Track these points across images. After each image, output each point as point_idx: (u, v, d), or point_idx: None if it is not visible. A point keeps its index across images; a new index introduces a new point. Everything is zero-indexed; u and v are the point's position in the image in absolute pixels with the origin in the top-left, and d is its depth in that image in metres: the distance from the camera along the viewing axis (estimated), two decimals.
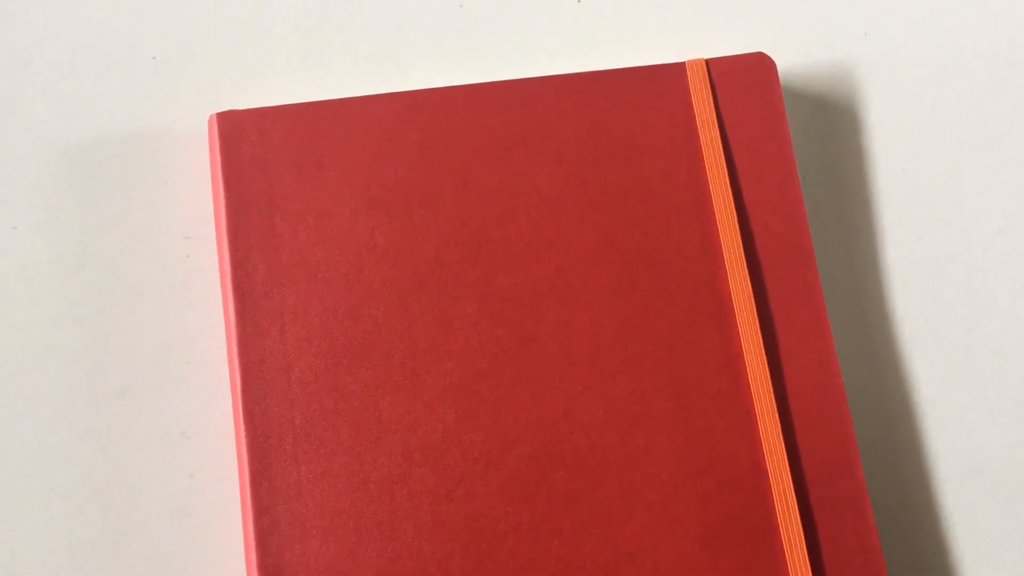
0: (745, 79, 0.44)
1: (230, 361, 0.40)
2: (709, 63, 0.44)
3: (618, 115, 0.43)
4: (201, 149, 0.44)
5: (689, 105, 0.44)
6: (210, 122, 0.42)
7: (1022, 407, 0.43)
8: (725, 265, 0.42)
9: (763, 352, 0.41)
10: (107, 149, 0.44)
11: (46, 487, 0.40)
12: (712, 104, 0.44)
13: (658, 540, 0.39)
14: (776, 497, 0.40)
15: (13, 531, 0.40)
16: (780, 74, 0.45)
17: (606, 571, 0.39)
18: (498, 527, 0.39)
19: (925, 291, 0.45)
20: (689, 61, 0.44)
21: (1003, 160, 0.46)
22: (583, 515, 0.39)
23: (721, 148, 0.43)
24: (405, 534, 0.39)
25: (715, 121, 0.43)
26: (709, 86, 0.44)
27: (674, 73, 0.44)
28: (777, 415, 0.40)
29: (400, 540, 0.39)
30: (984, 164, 0.46)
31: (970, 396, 0.44)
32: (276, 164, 0.42)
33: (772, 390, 0.41)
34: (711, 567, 0.39)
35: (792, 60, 0.47)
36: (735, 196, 0.43)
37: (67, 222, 0.43)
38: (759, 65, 0.44)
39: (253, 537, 0.38)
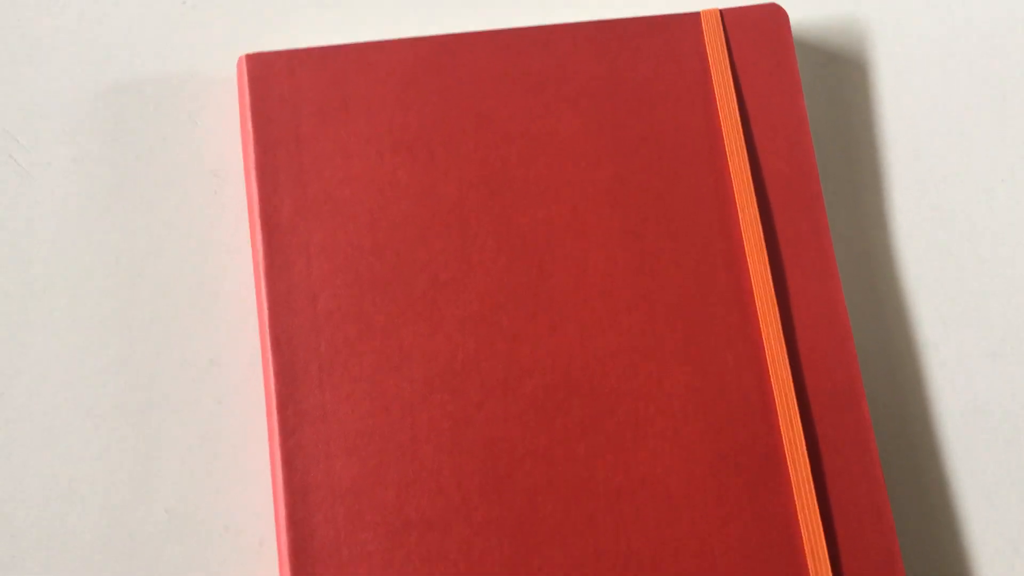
0: (758, 29, 0.46)
1: (258, 292, 0.42)
2: (723, 13, 0.46)
3: (634, 62, 0.45)
4: (230, 90, 0.45)
5: (703, 54, 0.45)
6: (239, 64, 0.44)
7: (1021, 348, 0.45)
8: (736, 207, 0.43)
9: (772, 291, 0.42)
10: (139, 90, 0.45)
11: (81, 412, 0.42)
12: (726, 53, 0.45)
13: (669, 466, 0.41)
14: (783, 428, 0.41)
15: (50, 452, 0.41)
16: (792, 26, 0.46)
17: (618, 495, 0.40)
18: (515, 451, 0.40)
19: (930, 237, 0.46)
20: (704, 11, 0.46)
21: (1009, 114, 0.48)
22: (597, 441, 0.41)
23: (734, 96, 0.45)
24: (425, 456, 0.40)
25: (728, 69, 0.45)
26: (723, 35, 0.45)
27: (689, 22, 0.46)
28: (785, 351, 0.42)
29: (420, 461, 0.40)
30: (991, 117, 0.48)
31: (972, 339, 0.45)
32: (303, 105, 0.43)
33: (780, 327, 0.42)
34: (719, 492, 0.40)
35: (804, 12, 0.48)
36: (747, 142, 0.44)
37: (99, 160, 0.44)
38: (772, 16, 0.46)
39: (280, 458, 0.40)
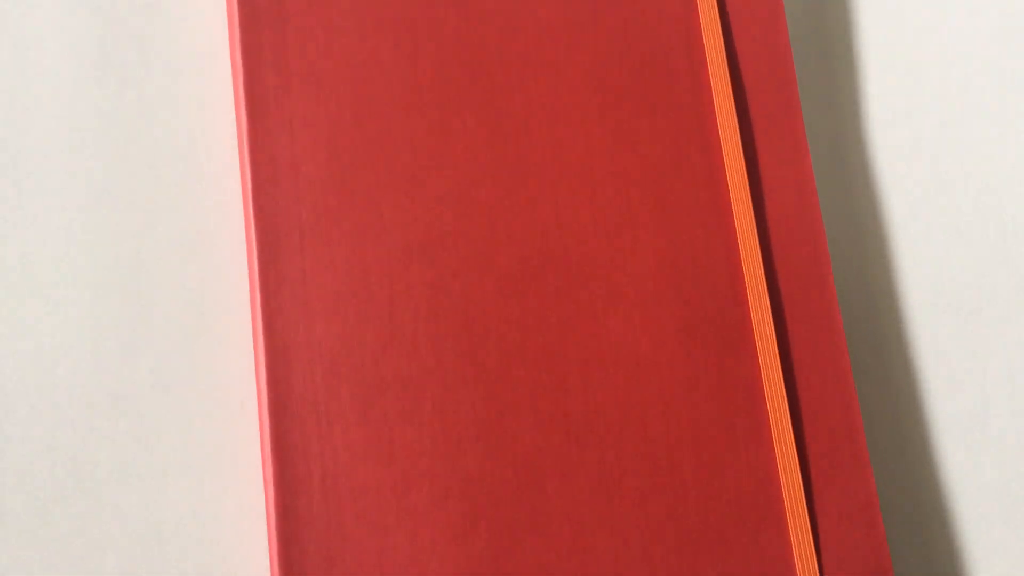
0: None
1: (241, 162, 0.43)
2: None
3: None
4: None
5: None
6: None
7: (988, 228, 0.46)
8: (711, 87, 0.44)
9: (744, 168, 0.44)
10: None
11: (70, 276, 0.43)
12: None
13: (639, 334, 0.42)
14: (751, 299, 0.42)
15: (38, 309, 0.42)
16: None
17: (589, 360, 0.41)
18: (489, 318, 0.42)
19: (902, 123, 0.47)
20: None
21: (976, 6, 0.49)
22: (569, 310, 0.42)
23: None
24: (402, 320, 0.41)
25: None
26: None
27: None
28: (755, 225, 0.43)
29: (397, 325, 0.41)
30: (967, 6, 0.48)
31: (940, 219, 0.46)
32: None
33: (751, 203, 0.43)
34: (686, 359, 0.42)
35: None
36: (724, 31, 0.45)
37: (87, 35, 0.45)
38: None
39: (261, 319, 0.41)
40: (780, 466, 0.41)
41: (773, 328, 0.42)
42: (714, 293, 0.43)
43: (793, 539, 0.40)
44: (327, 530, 0.39)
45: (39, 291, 0.43)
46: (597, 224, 0.43)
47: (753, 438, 0.41)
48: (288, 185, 0.43)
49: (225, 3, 0.46)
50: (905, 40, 0.48)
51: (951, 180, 0.47)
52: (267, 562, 0.41)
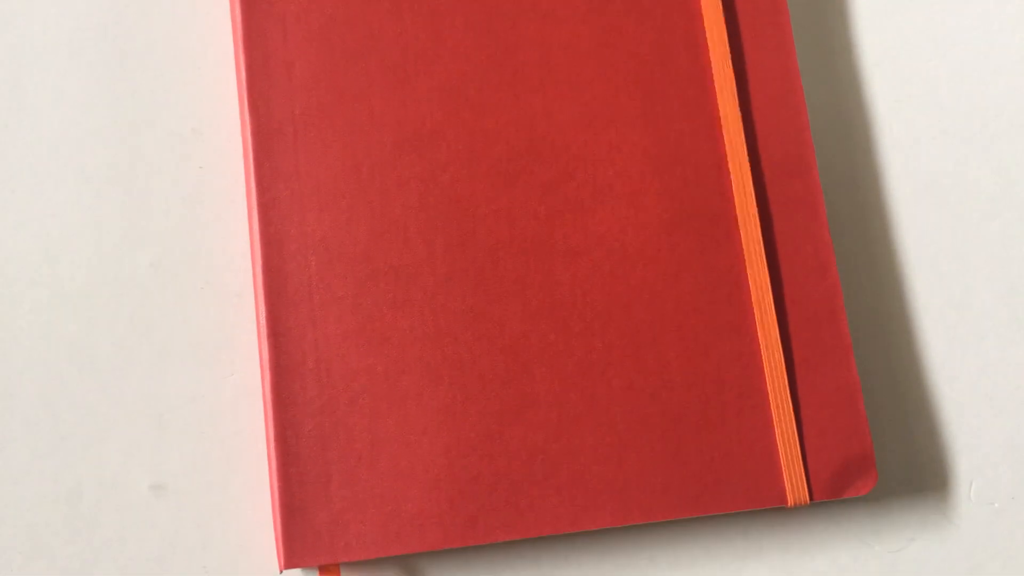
0: None
1: (236, 60, 0.44)
2: None
3: None
4: None
5: None
6: None
7: (970, 127, 0.47)
8: None
9: (729, 64, 0.44)
10: None
11: (73, 170, 0.44)
12: None
13: (626, 226, 0.43)
14: (735, 191, 0.43)
15: (42, 206, 0.44)
16: None
17: (575, 252, 0.42)
18: (479, 210, 0.43)
19: (889, 16, 0.47)
20: None
21: None
22: (557, 202, 0.43)
23: None
24: (393, 212, 0.42)
25: None
26: None
27: None
28: (740, 119, 0.44)
29: (389, 217, 0.42)
30: None
31: (924, 117, 0.47)
32: None
33: (736, 98, 0.44)
34: (672, 250, 0.43)
35: None
36: None
37: None
38: None
39: (256, 211, 0.42)
40: (763, 352, 0.42)
41: (757, 218, 0.43)
42: (699, 185, 0.43)
43: (775, 422, 0.41)
44: (321, 413, 0.40)
45: (41, 186, 0.44)
46: (584, 119, 0.44)
47: (737, 325, 0.42)
48: (281, 81, 0.43)
49: None
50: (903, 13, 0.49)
51: (936, 70, 0.47)
52: (264, 443, 0.42)
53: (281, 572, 0.39)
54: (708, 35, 0.44)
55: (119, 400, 0.42)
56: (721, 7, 0.45)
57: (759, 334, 0.42)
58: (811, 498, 0.41)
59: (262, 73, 0.43)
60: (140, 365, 0.42)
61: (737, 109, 0.44)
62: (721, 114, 0.44)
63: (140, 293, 0.43)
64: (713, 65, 0.44)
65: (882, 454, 0.43)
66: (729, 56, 0.44)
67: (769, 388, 0.42)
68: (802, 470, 0.41)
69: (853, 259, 0.45)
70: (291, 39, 0.44)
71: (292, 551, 0.39)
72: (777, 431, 0.41)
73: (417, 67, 0.44)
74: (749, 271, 0.42)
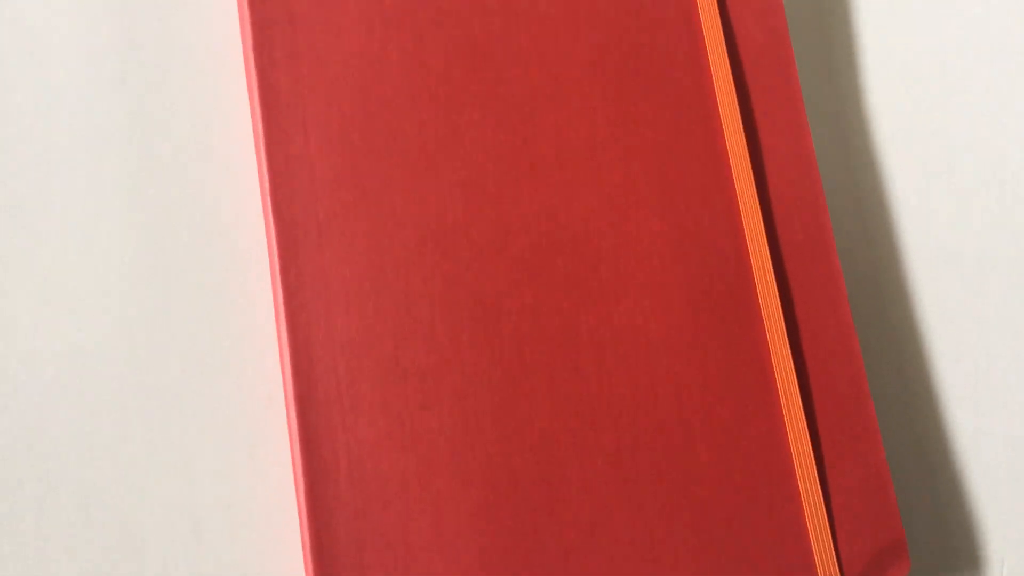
0: None
1: (259, 163, 0.44)
2: None
3: None
4: None
5: None
6: None
7: (990, 195, 0.47)
8: (711, 70, 0.45)
9: (745, 148, 0.45)
10: None
11: (95, 278, 0.44)
12: None
13: (649, 317, 0.43)
14: (756, 275, 0.43)
15: (72, 308, 0.44)
16: None
17: (601, 344, 0.43)
18: (503, 306, 0.43)
19: (902, 93, 0.48)
20: None
21: None
22: (580, 295, 0.43)
23: None
24: (418, 311, 0.43)
25: None
26: None
27: None
28: (758, 203, 0.44)
29: (414, 317, 0.43)
30: None
31: (942, 186, 0.47)
32: None
33: (753, 180, 0.44)
34: (696, 338, 0.43)
35: None
36: (720, 9, 0.46)
37: (105, 42, 0.47)
38: None
39: (284, 317, 0.42)
40: (791, 440, 0.42)
41: (779, 304, 0.43)
42: (720, 272, 0.44)
43: (806, 512, 0.42)
44: (355, 517, 0.41)
45: (67, 293, 0.44)
46: (604, 209, 0.44)
47: (764, 414, 0.42)
48: (304, 183, 0.44)
49: (236, 7, 0.47)
50: (903, 9, 0.49)
51: (953, 146, 0.47)
52: (299, 549, 0.42)
53: None
54: (723, 119, 0.45)
55: (154, 509, 0.42)
56: (735, 91, 0.45)
57: (786, 421, 0.42)
58: None
59: (284, 175, 0.44)
60: (173, 473, 0.43)
61: (755, 193, 0.44)
62: (739, 198, 0.44)
63: (172, 399, 0.43)
64: (729, 149, 0.45)
65: (912, 534, 0.43)
66: (744, 139, 0.45)
67: (798, 476, 0.42)
68: (835, 561, 0.41)
69: (876, 339, 0.45)
70: (312, 140, 0.44)
71: None
72: (808, 521, 0.42)
73: (437, 161, 0.44)
74: (773, 358, 0.43)
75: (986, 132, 0.47)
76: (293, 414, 0.42)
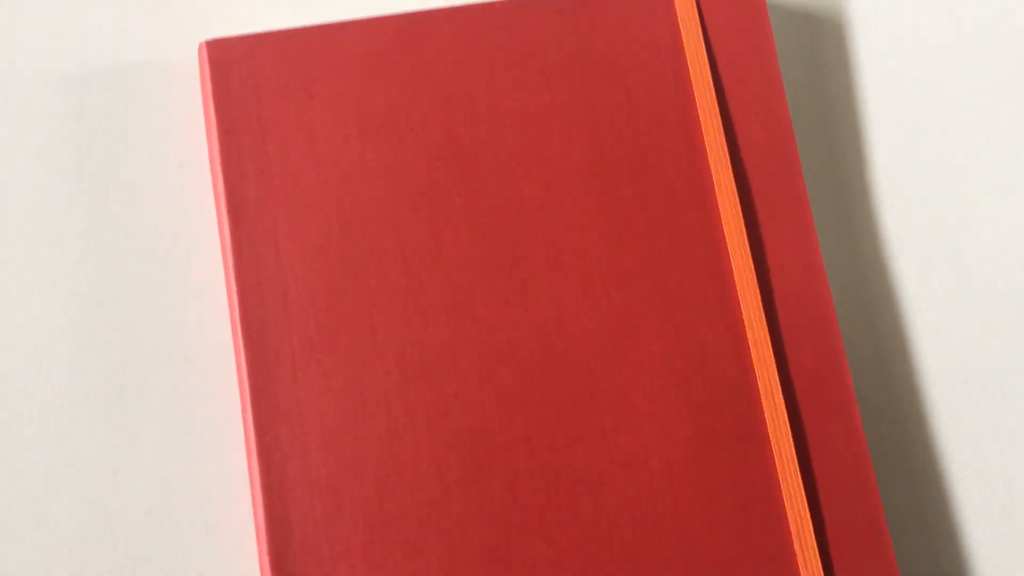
0: None
1: (227, 284, 0.41)
2: None
3: (603, 33, 0.44)
4: (193, 78, 0.44)
5: (674, 21, 0.44)
6: (200, 50, 0.43)
7: (1009, 314, 0.44)
8: (712, 177, 0.42)
9: (750, 262, 0.42)
10: (101, 79, 0.44)
11: (54, 409, 0.41)
12: (697, 19, 0.44)
13: (651, 448, 0.40)
14: (765, 406, 0.40)
15: (26, 452, 0.41)
16: None
17: (600, 479, 0.40)
18: (494, 440, 0.40)
19: (911, 199, 0.45)
20: None
21: (991, 73, 0.47)
22: (577, 426, 0.40)
23: (707, 63, 0.43)
24: (402, 448, 0.40)
25: (700, 34, 0.44)
26: (694, 1, 0.44)
27: None
28: (765, 324, 0.41)
29: (398, 454, 0.40)
30: (972, 77, 0.46)
31: (957, 304, 0.44)
32: (266, 90, 0.42)
33: (760, 299, 0.41)
34: (702, 474, 0.40)
35: None
36: (721, 109, 0.43)
37: (62, 152, 0.43)
38: None
39: (256, 455, 0.39)
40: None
41: (790, 433, 0.40)
42: (726, 397, 0.41)
43: None
44: None
45: (21, 423, 0.41)
46: (600, 330, 0.41)
47: (776, 554, 0.39)
48: (276, 306, 0.41)
49: (203, 111, 0.44)
50: (910, 106, 0.46)
51: (967, 253, 0.45)
52: None
53: None
54: (726, 228, 0.42)
55: None
56: (739, 202, 0.42)
57: (799, 563, 0.39)
58: None
59: (255, 298, 0.41)
60: None
61: (761, 310, 0.41)
62: (745, 316, 0.41)
63: (138, 543, 0.40)
64: (733, 262, 0.42)
65: None
66: (749, 251, 0.42)
67: None
68: None
69: (891, 463, 0.42)
70: (285, 259, 0.41)
71: None
72: None
73: (420, 280, 0.41)
74: (785, 493, 0.40)
75: (1003, 233, 0.45)
76: (267, 563, 0.38)
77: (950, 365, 0.44)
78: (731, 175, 0.42)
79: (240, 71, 0.42)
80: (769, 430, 0.40)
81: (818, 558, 0.39)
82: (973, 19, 0.47)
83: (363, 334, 0.41)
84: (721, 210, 0.42)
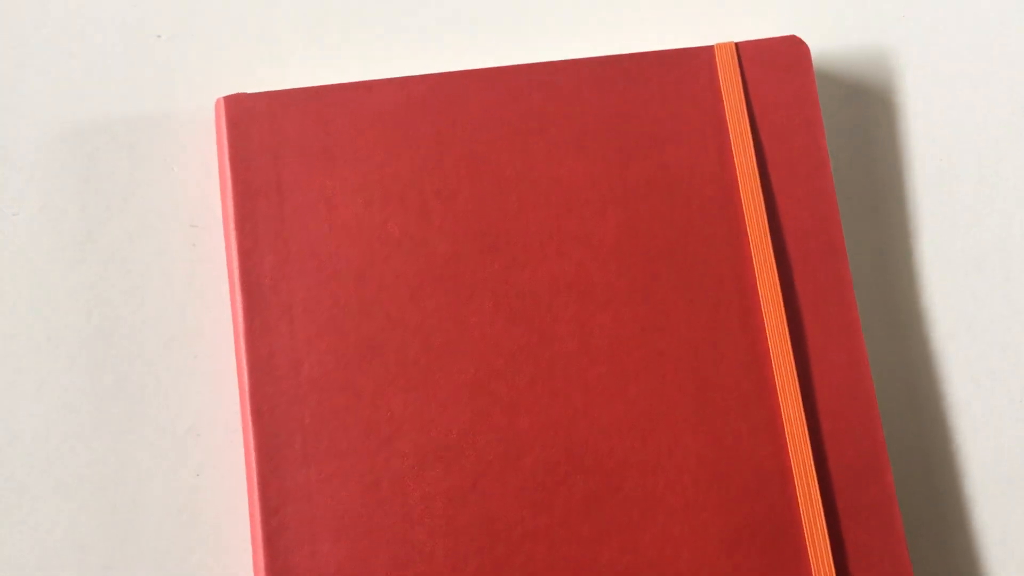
0: (776, 64, 0.42)
1: (237, 356, 0.39)
2: (739, 47, 0.42)
3: (642, 102, 0.42)
4: (208, 134, 0.42)
5: (717, 91, 0.42)
6: (217, 106, 0.41)
7: None
8: (752, 261, 0.40)
9: (791, 352, 0.39)
10: (111, 133, 0.42)
11: (48, 484, 0.39)
12: (741, 90, 0.42)
13: (680, 547, 0.38)
14: (802, 504, 0.38)
15: (14, 529, 0.38)
16: (813, 58, 0.43)
17: None
18: (514, 532, 0.38)
19: (960, 288, 0.43)
20: (718, 44, 0.42)
21: None
22: (602, 520, 0.38)
23: (750, 138, 0.41)
24: (417, 537, 0.37)
25: (744, 109, 0.42)
26: (739, 71, 0.42)
27: (702, 57, 0.42)
28: (804, 418, 0.39)
29: (412, 544, 0.37)
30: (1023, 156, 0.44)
31: (1006, 399, 0.42)
32: (285, 151, 0.40)
33: (799, 392, 0.39)
34: (735, 574, 0.38)
35: (826, 43, 0.45)
36: (764, 189, 0.41)
37: (69, 209, 0.41)
38: (791, 49, 0.42)
39: (261, 539, 0.37)
40: None
41: (827, 536, 0.38)
42: (761, 498, 0.38)
43: None
44: None
45: (21, 497, 0.39)
46: (630, 419, 0.39)
47: None
48: (289, 383, 0.38)
49: (218, 173, 0.42)
50: (960, 193, 0.44)
51: (1020, 347, 0.42)
52: None
53: None
54: (766, 320, 0.40)
55: None
56: (779, 286, 0.40)
57: None
58: None
59: (267, 372, 0.38)
60: None
61: (801, 406, 0.39)
62: (783, 411, 0.39)
63: None
64: (773, 355, 0.39)
65: None
66: (790, 342, 0.39)
67: None
68: None
69: (932, 569, 0.40)
70: (299, 331, 0.39)
71: None
72: None
73: (441, 359, 0.39)
74: None
75: None
76: None
77: (995, 465, 0.41)
78: (773, 259, 0.40)
79: (259, 129, 0.40)
80: (805, 531, 0.38)
81: None
82: None
83: (379, 414, 0.38)
84: (761, 296, 0.40)
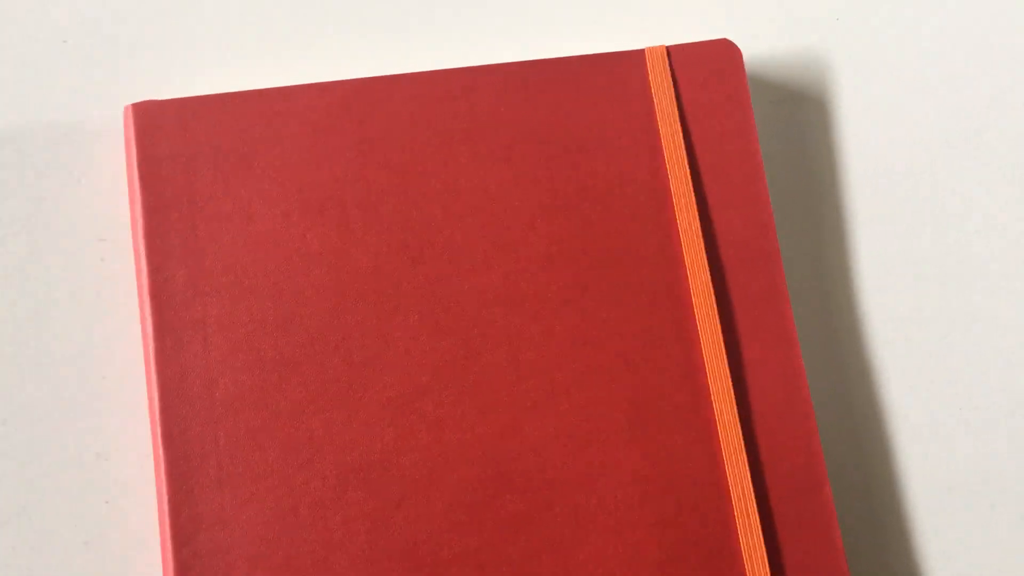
0: (708, 68, 0.41)
1: (148, 377, 0.37)
2: (670, 50, 0.41)
3: (571, 107, 0.40)
4: (117, 143, 0.40)
5: (648, 96, 0.41)
6: (125, 113, 0.39)
7: (997, 418, 0.41)
8: (686, 270, 0.39)
9: (726, 363, 0.38)
10: (13, 143, 0.40)
11: None
12: (673, 95, 0.41)
13: (613, 567, 0.36)
14: (739, 519, 0.37)
15: None
16: (746, 62, 0.42)
17: None
18: (440, 555, 0.36)
19: (897, 295, 0.42)
20: (648, 48, 0.41)
21: (980, 155, 0.44)
22: (533, 541, 0.36)
23: (682, 143, 0.40)
24: (339, 564, 0.36)
25: (676, 113, 0.40)
26: (670, 75, 0.41)
27: (632, 61, 0.41)
28: (740, 430, 0.38)
29: (334, 571, 0.36)
30: (960, 159, 0.44)
31: (943, 407, 0.41)
32: (198, 160, 0.38)
33: (735, 404, 0.38)
34: None
35: (758, 46, 0.44)
36: (697, 195, 0.40)
37: None
38: (723, 52, 0.41)
39: (173, 570, 0.35)
40: None
41: (765, 554, 0.37)
42: (697, 513, 0.37)
43: None
44: None
45: None
46: (561, 436, 0.37)
47: None
48: (202, 404, 0.37)
49: (127, 185, 0.40)
50: (896, 198, 0.43)
51: (955, 350, 0.42)
52: None
53: None
54: (700, 330, 0.38)
55: None
56: (714, 295, 0.39)
57: None
58: None
59: (178, 393, 0.37)
60: None
61: (736, 417, 0.38)
62: (718, 423, 0.38)
63: None
64: (707, 366, 0.38)
65: None
66: (724, 352, 0.38)
67: None
68: None
69: (870, 571, 0.39)
70: (213, 350, 0.37)
71: None
72: None
73: (363, 377, 0.37)
74: None
75: (995, 330, 0.42)
76: None
77: (934, 475, 0.40)
78: (707, 268, 0.39)
79: (170, 138, 0.39)
80: (742, 546, 0.37)
81: None
82: (962, 100, 0.44)
83: (298, 435, 0.37)
84: (695, 306, 0.39)
